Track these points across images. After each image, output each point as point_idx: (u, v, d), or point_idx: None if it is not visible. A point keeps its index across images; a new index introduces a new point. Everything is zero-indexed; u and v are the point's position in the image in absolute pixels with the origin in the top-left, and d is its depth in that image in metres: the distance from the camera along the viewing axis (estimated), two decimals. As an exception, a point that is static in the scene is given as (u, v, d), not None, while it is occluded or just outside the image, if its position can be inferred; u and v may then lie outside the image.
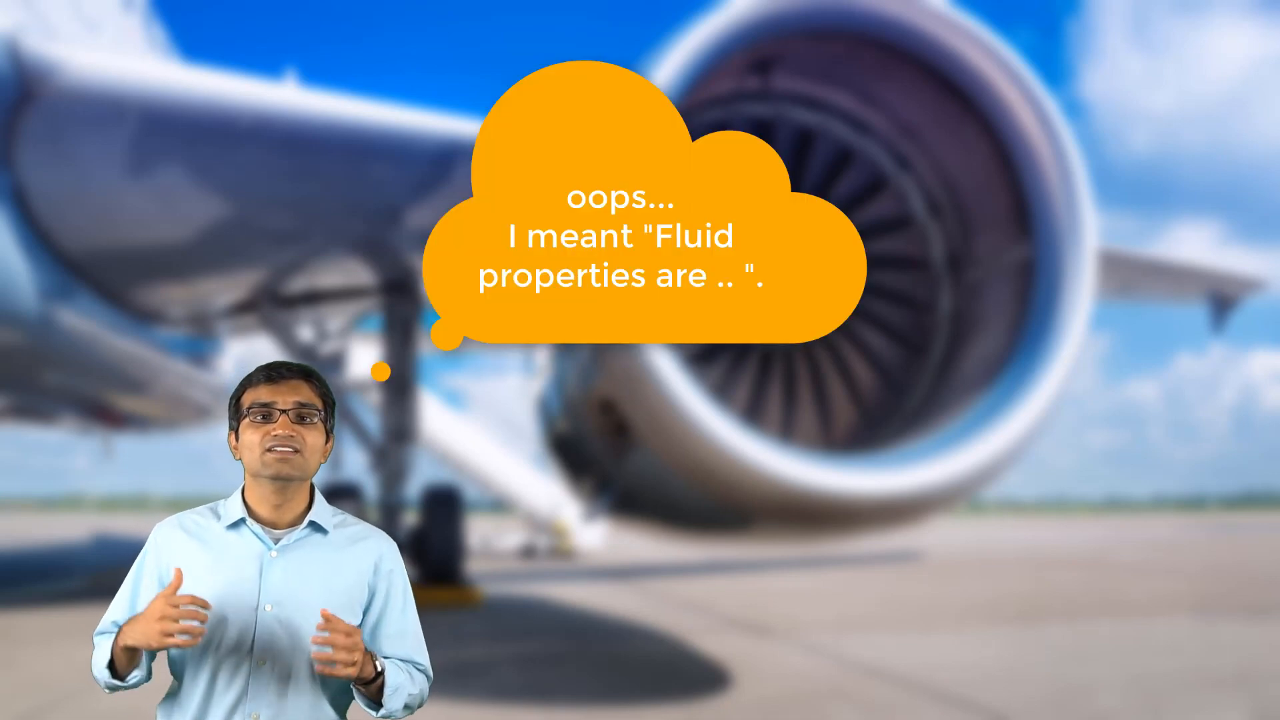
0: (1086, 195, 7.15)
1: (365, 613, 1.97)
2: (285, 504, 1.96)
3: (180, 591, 1.86)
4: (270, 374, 1.97)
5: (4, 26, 9.11)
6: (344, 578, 1.95)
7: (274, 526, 1.96)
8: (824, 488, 6.39)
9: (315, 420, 1.96)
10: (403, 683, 1.92)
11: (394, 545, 2.05)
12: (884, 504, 6.62)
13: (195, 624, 1.79)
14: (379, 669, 1.89)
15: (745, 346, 7.65)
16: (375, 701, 1.90)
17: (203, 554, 1.92)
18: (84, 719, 6.20)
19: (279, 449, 1.92)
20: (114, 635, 1.88)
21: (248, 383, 1.99)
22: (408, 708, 1.94)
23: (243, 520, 1.95)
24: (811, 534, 7.83)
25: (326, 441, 1.99)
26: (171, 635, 1.78)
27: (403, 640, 1.99)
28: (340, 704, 1.98)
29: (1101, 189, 7.47)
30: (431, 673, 2.02)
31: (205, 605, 1.81)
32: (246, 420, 1.95)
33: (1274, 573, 19.10)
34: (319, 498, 2.02)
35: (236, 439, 1.98)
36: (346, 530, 2.01)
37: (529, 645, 9.51)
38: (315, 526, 1.98)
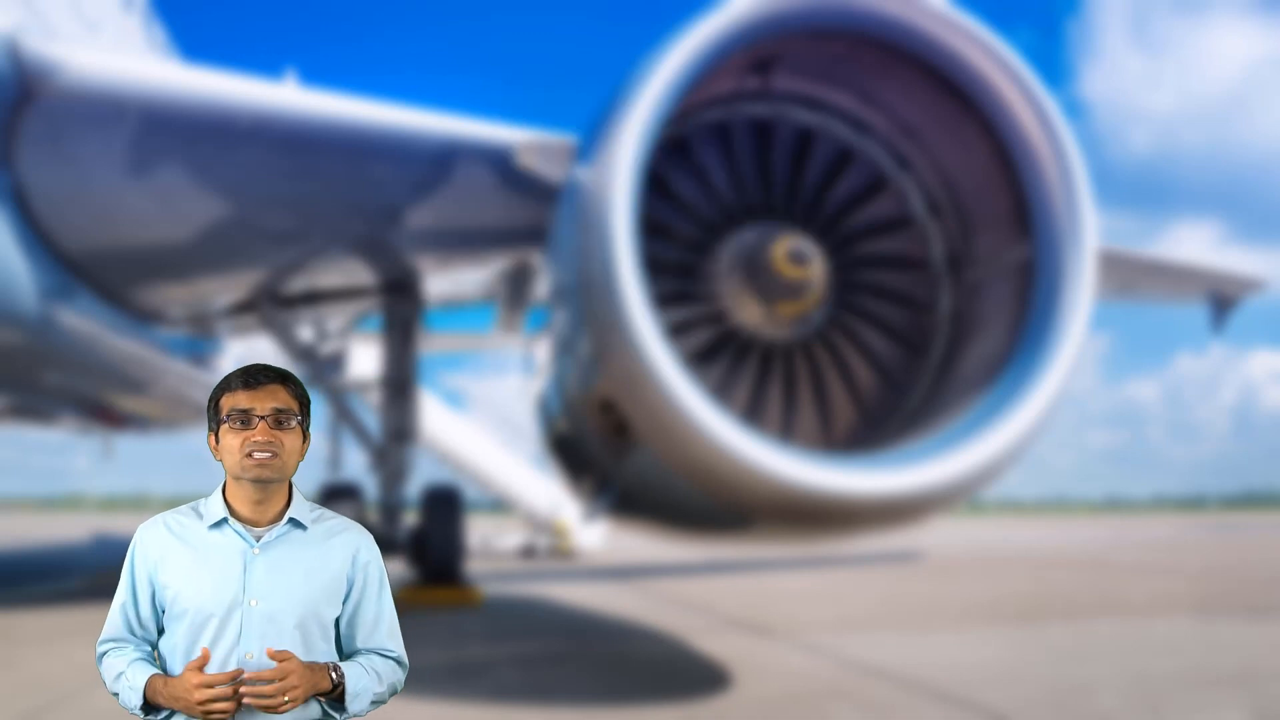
0: (1086, 195, 7.13)
1: (344, 602, 2.05)
2: (266, 501, 2.02)
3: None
4: (248, 380, 2.02)
5: (4, 26, 9.10)
6: (324, 571, 2.02)
7: (255, 524, 2.02)
8: (824, 488, 6.38)
9: (293, 424, 2.02)
10: (366, 686, 1.99)
11: (370, 537, 2.12)
12: (884, 504, 6.61)
13: (231, 703, 1.88)
14: (335, 680, 1.94)
15: (745, 346, 7.64)
16: (339, 706, 1.97)
17: (187, 553, 1.99)
18: (84, 719, 6.20)
19: (259, 454, 1.97)
20: (140, 664, 1.96)
21: (225, 387, 2.03)
22: (376, 704, 2.02)
23: (225, 520, 2.01)
24: (811, 534, 7.82)
25: (304, 442, 2.05)
26: (214, 714, 1.88)
27: (377, 628, 2.07)
28: None
29: (1101, 189, 7.46)
30: (406, 659, 2.09)
31: (240, 673, 1.89)
32: (226, 425, 2.00)
33: (1274, 573, 19.10)
34: (297, 494, 2.08)
35: (216, 441, 2.03)
36: (324, 525, 2.08)
37: (529, 645, 9.51)
38: (295, 523, 2.04)
